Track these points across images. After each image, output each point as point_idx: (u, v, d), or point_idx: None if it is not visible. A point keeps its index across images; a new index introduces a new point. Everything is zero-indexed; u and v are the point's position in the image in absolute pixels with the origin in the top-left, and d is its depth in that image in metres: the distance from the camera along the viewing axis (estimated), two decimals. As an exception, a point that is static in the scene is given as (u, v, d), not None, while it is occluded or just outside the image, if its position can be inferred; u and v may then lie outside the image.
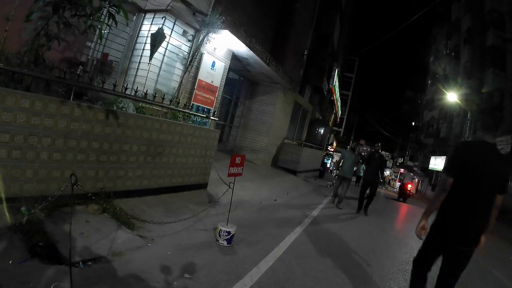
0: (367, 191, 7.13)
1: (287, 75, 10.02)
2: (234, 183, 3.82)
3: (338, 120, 34.40)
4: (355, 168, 7.66)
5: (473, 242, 2.11)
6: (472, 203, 2.09)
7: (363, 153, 10.08)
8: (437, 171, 23.43)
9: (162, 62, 5.94)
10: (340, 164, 7.38)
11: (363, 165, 8.59)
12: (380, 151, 7.47)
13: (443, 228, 2.17)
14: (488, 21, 18.03)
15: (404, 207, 11.90)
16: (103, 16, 3.14)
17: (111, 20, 3.09)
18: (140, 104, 4.38)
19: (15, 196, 2.68)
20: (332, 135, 30.37)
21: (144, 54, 5.80)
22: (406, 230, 6.80)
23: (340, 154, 8.02)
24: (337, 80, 18.45)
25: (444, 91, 18.99)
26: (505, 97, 16.49)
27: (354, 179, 16.14)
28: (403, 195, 14.52)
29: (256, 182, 7.29)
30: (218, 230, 3.33)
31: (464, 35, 21.87)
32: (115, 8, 3.08)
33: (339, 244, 4.33)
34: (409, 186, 15.04)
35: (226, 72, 7.44)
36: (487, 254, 6.34)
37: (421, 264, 2.37)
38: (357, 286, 3.07)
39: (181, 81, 6.17)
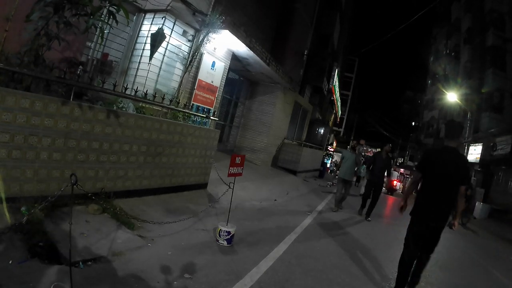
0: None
1: (287, 75, 10.01)
2: (234, 183, 3.82)
3: (338, 120, 34.35)
4: (355, 169, 7.40)
5: (445, 219, 2.87)
6: (442, 193, 2.81)
7: (363, 153, 10.00)
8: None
9: (162, 62, 5.94)
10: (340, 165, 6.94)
11: (364, 165, 8.48)
12: (389, 153, 6.89)
13: (424, 211, 2.88)
14: (488, 21, 17.99)
15: (391, 199, 13.80)
16: (103, 16, 3.14)
17: (111, 19, 3.09)
18: (140, 104, 4.38)
19: (15, 196, 2.68)
20: (332, 135, 30.32)
21: (144, 54, 5.80)
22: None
23: (340, 154, 7.82)
24: (337, 80, 18.44)
25: (444, 91, 18.99)
26: (505, 97, 16.48)
27: (354, 179, 16.11)
28: (390, 189, 17.88)
29: (256, 182, 7.29)
30: (218, 230, 3.33)
31: (464, 35, 21.83)
32: (115, 7, 3.08)
33: (339, 244, 4.33)
34: (394, 182, 18.24)
35: (226, 72, 7.44)
36: (487, 254, 6.35)
37: (410, 246, 2.94)
38: (357, 286, 3.07)
39: (181, 81, 6.17)
